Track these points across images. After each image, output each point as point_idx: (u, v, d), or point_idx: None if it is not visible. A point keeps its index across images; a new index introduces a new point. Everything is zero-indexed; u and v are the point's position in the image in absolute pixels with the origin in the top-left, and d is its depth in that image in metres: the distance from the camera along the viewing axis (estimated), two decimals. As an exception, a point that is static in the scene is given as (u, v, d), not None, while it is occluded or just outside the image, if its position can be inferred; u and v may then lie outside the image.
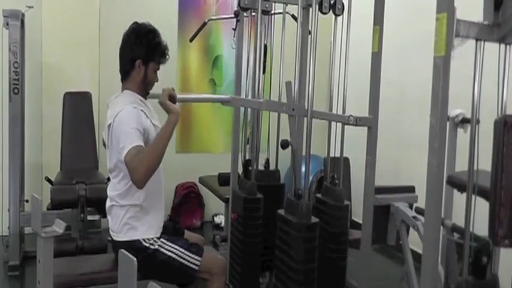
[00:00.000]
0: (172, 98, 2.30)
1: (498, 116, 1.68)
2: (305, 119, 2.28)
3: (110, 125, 2.35)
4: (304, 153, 2.37)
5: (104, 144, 2.49)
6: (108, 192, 2.46)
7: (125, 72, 2.45)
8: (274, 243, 2.31)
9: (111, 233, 2.44)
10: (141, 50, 2.40)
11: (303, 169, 2.39)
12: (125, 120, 2.27)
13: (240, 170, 2.88)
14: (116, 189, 2.41)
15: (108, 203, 2.45)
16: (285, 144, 2.32)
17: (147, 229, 2.39)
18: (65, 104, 4.31)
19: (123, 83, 2.47)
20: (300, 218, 2.14)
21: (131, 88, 2.44)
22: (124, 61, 2.45)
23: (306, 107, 2.26)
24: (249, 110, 2.90)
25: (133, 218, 2.37)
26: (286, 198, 2.33)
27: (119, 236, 2.39)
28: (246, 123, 2.96)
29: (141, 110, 2.35)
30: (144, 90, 2.47)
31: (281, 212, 2.26)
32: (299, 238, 2.12)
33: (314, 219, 2.18)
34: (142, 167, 2.16)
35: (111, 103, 2.45)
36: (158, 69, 2.47)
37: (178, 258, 2.36)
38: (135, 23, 2.47)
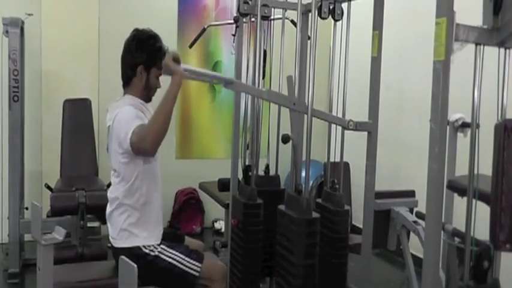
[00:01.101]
0: (177, 60, 2.19)
1: (498, 121, 1.68)
2: (305, 118, 2.26)
3: (109, 126, 2.36)
4: (304, 155, 2.36)
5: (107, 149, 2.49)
6: (109, 195, 2.45)
7: (127, 78, 2.45)
8: (275, 239, 2.29)
9: (111, 239, 2.43)
10: (142, 56, 2.40)
11: (303, 173, 2.39)
12: (124, 117, 2.28)
13: (240, 175, 2.88)
14: (116, 190, 2.40)
15: (108, 209, 2.44)
16: (286, 139, 2.31)
17: (147, 235, 2.38)
18: (65, 111, 4.31)
19: (125, 89, 2.47)
20: (301, 213, 2.12)
21: (133, 94, 2.44)
22: (125, 68, 2.45)
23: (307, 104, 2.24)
24: (248, 115, 2.90)
25: (133, 224, 2.36)
26: (287, 193, 2.31)
27: (118, 243, 2.38)
28: (246, 129, 2.96)
29: (140, 111, 2.36)
30: (146, 96, 2.47)
31: (281, 207, 2.25)
32: (300, 233, 2.10)
33: (315, 214, 2.16)
34: (150, 133, 2.14)
35: (110, 107, 2.45)
36: (160, 74, 2.43)
37: (179, 265, 2.36)
38: (136, 30, 2.47)
